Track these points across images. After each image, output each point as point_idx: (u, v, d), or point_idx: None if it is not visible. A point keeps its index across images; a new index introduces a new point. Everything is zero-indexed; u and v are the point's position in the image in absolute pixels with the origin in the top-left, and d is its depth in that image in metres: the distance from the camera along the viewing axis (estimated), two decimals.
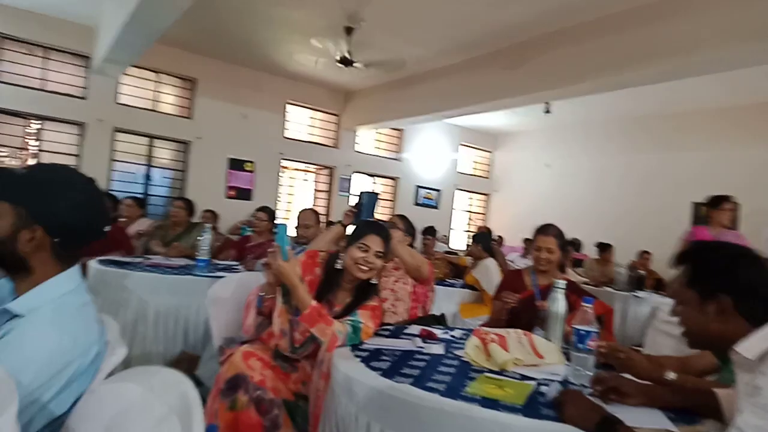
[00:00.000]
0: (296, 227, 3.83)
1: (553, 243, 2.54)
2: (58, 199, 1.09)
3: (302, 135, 9.78)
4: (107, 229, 1.23)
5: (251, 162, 9.03)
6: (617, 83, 5.74)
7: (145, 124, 8.06)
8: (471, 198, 12.35)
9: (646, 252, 6.92)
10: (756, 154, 7.77)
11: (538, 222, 2.69)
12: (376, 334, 1.95)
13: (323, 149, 9.97)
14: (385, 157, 10.77)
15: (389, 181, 10.94)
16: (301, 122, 9.78)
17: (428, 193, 11.28)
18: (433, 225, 6.34)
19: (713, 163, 8.13)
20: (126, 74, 7.65)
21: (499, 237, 9.29)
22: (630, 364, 1.54)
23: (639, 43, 5.15)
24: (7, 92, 6.94)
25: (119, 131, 7.88)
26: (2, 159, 7.08)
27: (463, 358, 1.70)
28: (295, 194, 10.10)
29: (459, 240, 11.67)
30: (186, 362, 2.96)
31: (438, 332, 2.06)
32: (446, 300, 4.31)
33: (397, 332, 2.06)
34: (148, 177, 8.31)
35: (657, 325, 3.81)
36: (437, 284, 3.42)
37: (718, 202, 4.04)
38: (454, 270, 5.50)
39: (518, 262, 6.49)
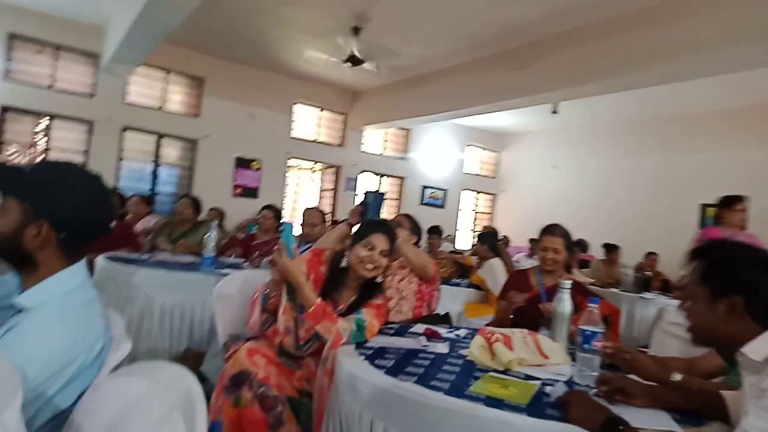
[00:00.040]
0: (302, 226, 3.83)
1: (559, 243, 2.53)
2: (63, 195, 1.10)
3: (309, 134, 9.79)
4: (113, 224, 1.24)
5: (258, 160, 9.06)
6: (624, 84, 5.72)
7: (152, 123, 8.11)
8: (477, 198, 12.33)
9: (653, 253, 6.88)
10: (762, 156, 7.73)
11: (544, 223, 2.67)
12: (381, 333, 1.94)
13: (330, 148, 9.99)
14: (392, 157, 10.77)
15: (395, 181, 10.94)
16: (308, 121, 9.80)
17: (434, 192, 11.27)
18: (438, 225, 6.33)
19: (720, 165, 8.09)
20: (134, 74, 7.69)
21: (505, 237, 9.25)
22: (636, 365, 1.53)
23: (645, 45, 5.13)
24: (17, 90, 7.01)
25: (127, 129, 7.92)
26: (12, 156, 7.13)
27: (467, 358, 1.69)
28: (301, 193, 10.11)
29: (465, 240, 11.66)
30: (191, 358, 2.98)
31: (443, 331, 2.05)
32: (451, 299, 4.31)
33: (402, 331, 2.06)
34: (155, 175, 8.35)
35: (664, 327, 3.78)
36: (443, 284, 3.41)
37: (731, 202, 3.98)
38: (460, 270, 5.49)
39: (524, 262, 6.46)
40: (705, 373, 1.64)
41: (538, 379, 1.51)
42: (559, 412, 1.22)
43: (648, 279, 5.76)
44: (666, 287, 6.12)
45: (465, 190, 11.88)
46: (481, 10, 5.72)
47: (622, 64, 5.36)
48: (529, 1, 5.40)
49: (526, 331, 1.88)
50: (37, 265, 1.09)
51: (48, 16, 6.98)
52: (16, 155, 7.16)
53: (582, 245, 7.67)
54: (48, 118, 7.34)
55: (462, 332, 2.11)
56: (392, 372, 1.45)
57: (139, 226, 4.98)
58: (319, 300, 1.84)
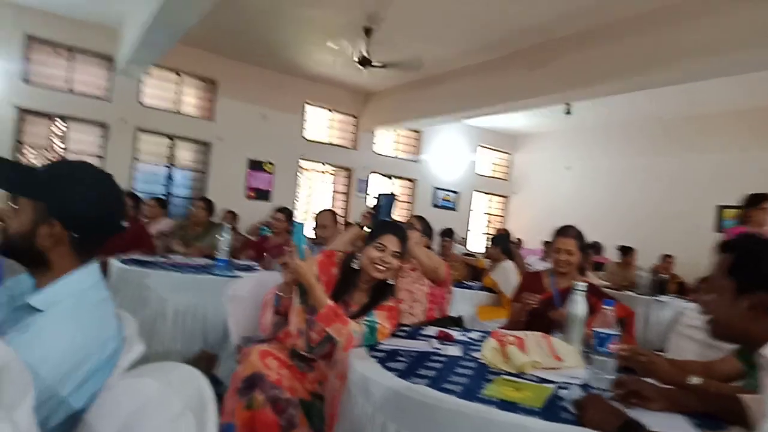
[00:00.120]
0: (314, 228, 3.84)
1: (572, 244, 2.50)
2: (75, 194, 1.10)
3: (321, 136, 9.82)
4: (125, 224, 1.24)
5: (270, 163, 9.11)
6: (637, 84, 5.67)
7: (167, 125, 8.18)
8: (490, 200, 12.27)
9: (669, 256, 6.81)
10: None
11: (557, 225, 2.64)
12: (393, 335, 1.94)
13: (342, 150, 10.00)
14: (404, 159, 10.76)
15: (407, 183, 10.92)
16: (320, 123, 9.83)
17: (446, 194, 11.24)
18: (451, 227, 6.31)
19: (736, 165, 7.96)
20: (148, 76, 7.76)
21: (518, 239, 9.20)
22: (652, 367, 1.51)
23: (659, 45, 5.09)
24: (34, 93, 7.10)
25: (142, 131, 8.00)
26: (29, 159, 7.23)
27: (480, 360, 1.68)
28: (313, 195, 10.14)
29: (477, 242, 11.60)
30: (205, 361, 2.99)
31: (455, 334, 2.04)
32: (464, 302, 4.29)
33: (414, 333, 2.05)
34: (169, 177, 8.42)
35: (681, 330, 3.72)
36: (455, 286, 3.40)
37: (758, 200, 3.90)
38: (472, 272, 5.47)
39: (537, 265, 6.41)
40: (723, 376, 1.61)
41: (552, 382, 1.49)
42: (575, 415, 1.21)
43: (664, 282, 5.69)
44: (682, 290, 6.05)
45: (477, 191, 11.82)
46: (494, 10, 5.70)
47: (636, 64, 5.31)
48: (542, 1, 5.38)
49: (539, 333, 1.86)
50: (50, 265, 1.10)
51: (63, 18, 7.06)
52: (33, 158, 7.25)
53: (596, 247, 7.61)
54: (64, 120, 7.43)
55: (475, 335, 2.09)
56: (405, 375, 1.45)
57: (154, 228, 5.02)
58: (330, 302, 1.84)
